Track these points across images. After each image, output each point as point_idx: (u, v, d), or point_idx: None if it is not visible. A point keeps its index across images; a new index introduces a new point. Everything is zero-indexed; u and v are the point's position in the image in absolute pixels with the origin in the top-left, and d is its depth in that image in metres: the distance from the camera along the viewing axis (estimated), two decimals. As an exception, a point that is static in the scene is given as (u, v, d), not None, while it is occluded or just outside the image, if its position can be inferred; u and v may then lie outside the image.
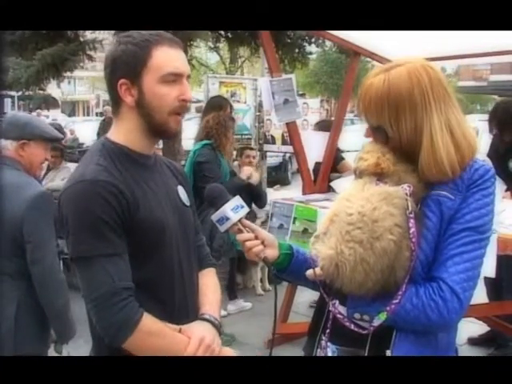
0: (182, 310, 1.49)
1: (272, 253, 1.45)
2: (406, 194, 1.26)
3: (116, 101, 1.46)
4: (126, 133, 1.47)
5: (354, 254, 1.23)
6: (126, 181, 1.40)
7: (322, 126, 5.21)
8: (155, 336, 1.36)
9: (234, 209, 1.41)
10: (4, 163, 2.29)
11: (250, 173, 4.33)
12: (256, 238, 1.43)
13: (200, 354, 1.39)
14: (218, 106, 4.59)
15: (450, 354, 1.37)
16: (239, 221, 1.41)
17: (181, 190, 1.60)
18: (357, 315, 1.31)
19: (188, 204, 1.60)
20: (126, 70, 1.41)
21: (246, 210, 1.43)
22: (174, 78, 1.43)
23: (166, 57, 1.42)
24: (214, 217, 1.41)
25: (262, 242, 1.43)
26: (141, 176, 1.47)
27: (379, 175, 1.32)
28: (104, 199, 1.34)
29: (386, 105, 1.31)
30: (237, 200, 1.43)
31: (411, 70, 1.31)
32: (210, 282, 1.64)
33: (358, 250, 1.23)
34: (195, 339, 1.41)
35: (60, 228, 1.40)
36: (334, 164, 4.48)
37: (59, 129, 6.42)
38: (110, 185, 1.36)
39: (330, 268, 1.25)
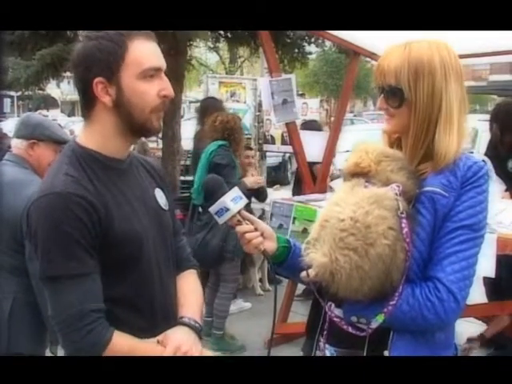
0: (164, 318, 1.44)
1: (271, 245, 1.43)
2: (396, 194, 1.26)
3: (89, 102, 1.36)
4: (98, 136, 1.38)
5: (349, 261, 1.21)
6: (98, 192, 1.32)
7: (309, 126, 5.21)
8: (127, 354, 1.30)
9: (233, 200, 1.37)
10: (12, 160, 2.37)
11: (255, 182, 4.35)
12: (255, 229, 1.41)
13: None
14: (218, 107, 4.64)
15: (448, 352, 1.37)
16: (239, 212, 1.38)
17: (158, 194, 1.52)
18: (354, 318, 1.30)
19: (166, 208, 1.52)
20: (101, 67, 1.31)
21: (245, 201, 1.40)
22: (154, 72, 1.34)
23: (144, 51, 1.34)
24: (213, 208, 1.37)
25: (262, 234, 1.41)
26: (114, 184, 1.38)
27: (362, 175, 1.31)
28: (73, 214, 1.26)
29: (406, 65, 1.32)
30: (236, 191, 1.39)
31: (432, 43, 1.34)
32: (190, 284, 1.57)
33: (352, 257, 1.21)
34: (170, 348, 1.35)
35: (28, 240, 1.32)
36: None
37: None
38: (80, 198, 1.27)
39: (325, 275, 1.24)
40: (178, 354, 1.35)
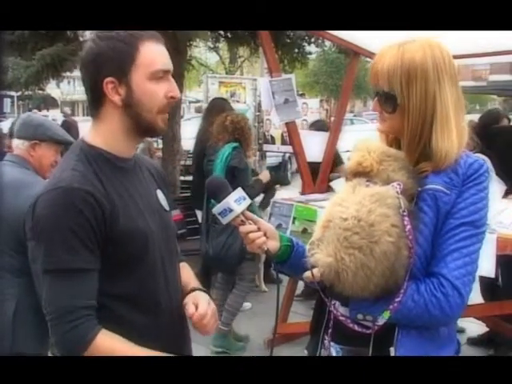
0: (168, 316, 1.45)
1: (273, 244, 1.43)
2: (397, 193, 1.27)
3: (98, 100, 1.37)
4: (106, 135, 1.40)
5: (354, 260, 1.22)
6: (104, 189, 1.33)
7: (318, 126, 5.24)
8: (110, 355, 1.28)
9: (237, 200, 1.38)
10: (13, 161, 2.36)
11: (268, 176, 4.38)
12: (258, 229, 1.41)
13: (209, 314, 1.45)
14: (226, 108, 4.67)
15: (451, 347, 1.38)
16: (242, 212, 1.39)
17: (160, 195, 1.53)
18: (360, 316, 1.31)
19: (168, 209, 1.54)
20: (112, 67, 1.33)
21: (249, 201, 1.41)
22: (163, 74, 1.37)
23: (154, 52, 1.37)
24: (216, 209, 1.38)
25: (265, 234, 1.41)
26: (121, 182, 1.39)
27: (364, 175, 1.31)
28: (77, 209, 1.26)
29: (398, 68, 1.31)
30: (239, 192, 1.40)
31: (425, 43, 1.35)
32: (185, 271, 1.62)
33: (358, 256, 1.22)
34: (202, 309, 1.44)
35: (31, 237, 1.32)
36: (332, 166, 4.48)
37: (74, 125, 6.53)
38: (86, 193, 1.28)
39: (330, 275, 1.24)
40: (209, 313, 1.45)
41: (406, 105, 1.33)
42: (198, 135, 5.06)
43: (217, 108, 4.75)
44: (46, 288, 1.29)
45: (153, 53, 1.36)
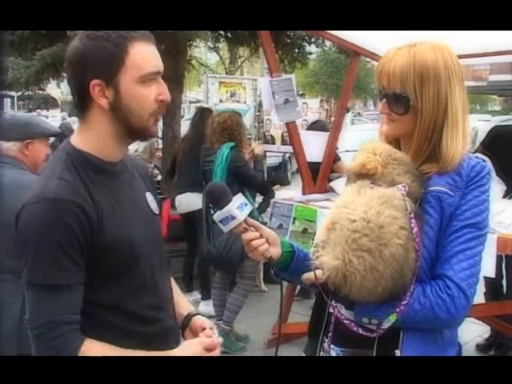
0: (160, 323, 1.43)
1: (276, 251, 1.42)
2: (403, 195, 1.26)
3: (85, 103, 1.31)
4: (94, 139, 1.34)
5: (363, 263, 1.20)
6: (92, 198, 1.28)
7: (317, 126, 5.22)
8: None
9: (239, 207, 1.35)
10: (8, 163, 2.34)
11: (261, 148, 4.49)
12: (260, 236, 1.39)
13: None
14: (209, 115, 4.76)
15: (453, 350, 1.38)
16: (244, 219, 1.37)
17: (149, 197, 1.49)
18: (365, 320, 1.30)
19: (157, 212, 1.50)
20: (100, 69, 1.27)
21: (250, 207, 1.39)
22: (153, 76, 1.32)
23: (145, 54, 1.30)
24: (217, 216, 1.35)
25: (267, 241, 1.40)
26: (109, 188, 1.35)
27: (367, 176, 1.31)
28: (64, 222, 1.22)
29: (411, 70, 1.31)
30: (240, 198, 1.38)
31: (435, 45, 1.35)
32: (175, 288, 1.60)
33: (367, 258, 1.20)
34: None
35: (17, 245, 1.30)
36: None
37: (70, 128, 6.50)
38: (73, 205, 1.24)
39: (337, 278, 1.23)
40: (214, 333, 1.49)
41: (418, 106, 1.32)
42: (181, 140, 5.23)
43: (201, 118, 4.92)
44: (28, 301, 1.28)
45: (143, 55, 1.30)
